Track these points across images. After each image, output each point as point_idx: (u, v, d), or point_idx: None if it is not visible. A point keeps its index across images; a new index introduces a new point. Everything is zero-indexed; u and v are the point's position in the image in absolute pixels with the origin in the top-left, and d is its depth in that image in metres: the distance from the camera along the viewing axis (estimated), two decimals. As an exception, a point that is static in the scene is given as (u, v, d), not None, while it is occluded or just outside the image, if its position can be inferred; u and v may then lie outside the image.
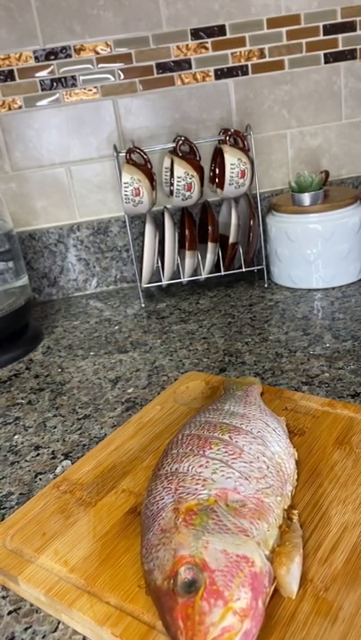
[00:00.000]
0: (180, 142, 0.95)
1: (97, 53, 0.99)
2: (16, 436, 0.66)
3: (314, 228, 0.92)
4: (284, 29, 1.02)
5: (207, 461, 0.45)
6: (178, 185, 0.92)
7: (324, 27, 1.03)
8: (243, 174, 0.93)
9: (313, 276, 0.95)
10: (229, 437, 0.48)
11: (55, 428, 0.67)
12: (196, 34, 1.00)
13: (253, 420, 0.51)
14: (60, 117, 1.02)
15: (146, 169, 0.93)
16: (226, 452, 0.46)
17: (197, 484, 0.43)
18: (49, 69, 0.99)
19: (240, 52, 1.02)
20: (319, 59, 1.05)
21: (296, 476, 0.48)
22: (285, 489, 0.45)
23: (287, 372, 0.71)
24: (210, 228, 0.97)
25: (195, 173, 0.92)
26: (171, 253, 0.95)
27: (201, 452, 0.46)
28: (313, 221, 0.93)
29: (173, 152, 0.96)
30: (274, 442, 0.49)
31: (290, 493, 0.45)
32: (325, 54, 1.05)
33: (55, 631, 0.41)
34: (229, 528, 0.38)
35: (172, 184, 0.93)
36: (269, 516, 0.41)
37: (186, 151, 0.96)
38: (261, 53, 1.03)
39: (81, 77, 1.00)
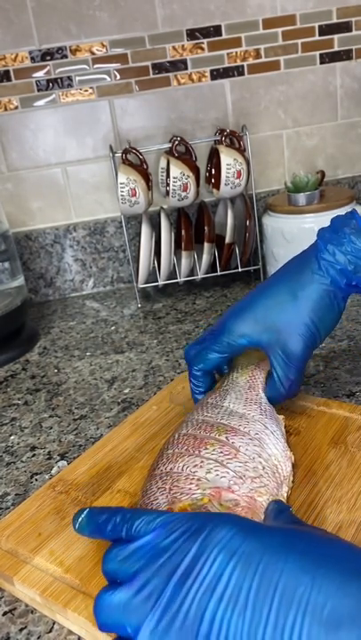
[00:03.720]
0: (176, 143, 0.95)
1: (93, 54, 0.99)
2: (12, 437, 0.66)
3: (310, 228, 0.92)
4: (279, 30, 1.02)
5: (202, 461, 0.45)
6: (174, 185, 0.92)
7: (320, 27, 1.03)
8: (239, 174, 0.93)
9: (309, 276, 0.95)
10: (226, 438, 0.47)
11: (51, 428, 0.67)
12: (191, 34, 1.00)
13: (252, 422, 0.50)
14: (56, 118, 1.02)
15: (142, 169, 0.93)
16: (221, 452, 0.46)
17: (191, 483, 0.42)
18: (45, 70, 0.99)
19: (236, 53, 1.02)
20: (315, 59, 1.05)
21: (292, 479, 0.48)
22: (281, 490, 0.45)
23: (283, 372, 0.71)
24: (206, 228, 0.97)
25: (191, 174, 0.92)
26: (167, 254, 0.95)
27: (196, 452, 0.46)
28: (309, 221, 0.93)
29: (169, 152, 0.96)
30: (271, 444, 0.48)
31: (285, 494, 0.45)
32: (321, 55, 1.05)
33: (50, 632, 0.41)
34: None
35: (168, 184, 0.93)
36: (262, 515, 0.41)
37: (182, 151, 0.96)
38: (257, 54, 1.03)
39: (77, 78, 1.00)
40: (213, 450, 0.46)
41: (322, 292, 0.52)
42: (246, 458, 0.45)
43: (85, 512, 0.39)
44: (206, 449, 0.46)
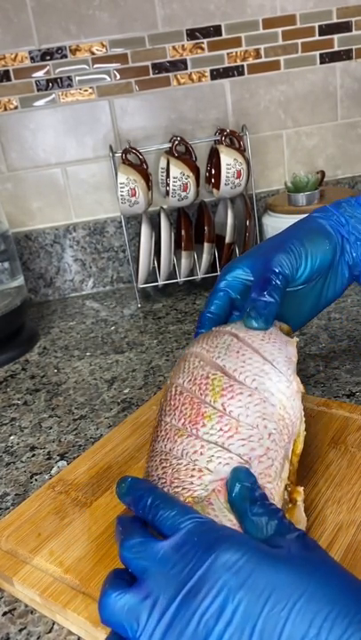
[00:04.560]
0: (176, 142, 0.95)
1: (93, 54, 0.99)
2: (12, 437, 0.66)
3: (310, 228, 0.92)
4: (279, 30, 1.02)
5: (202, 445, 0.41)
6: (174, 185, 0.92)
7: (320, 27, 1.03)
8: (239, 174, 0.93)
9: (309, 276, 0.95)
10: (222, 406, 0.43)
11: (51, 428, 0.67)
12: (191, 34, 1.00)
13: (249, 358, 0.45)
14: (55, 118, 1.02)
15: (142, 169, 0.93)
16: (221, 428, 0.41)
17: (193, 476, 0.40)
18: (45, 70, 0.99)
19: (236, 53, 1.02)
20: (315, 59, 1.05)
21: (304, 420, 0.44)
22: (289, 449, 0.42)
23: (283, 372, 0.71)
24: (206, 228, 0.97)
25: (191, 174, 0.92)
26: (167, 254, 0.95)
27: (194, 432, 0.42)
28: (309, 221, 0.93)
29: (169, 152, 0.96)
30: (273, 386, 0.43)
31: (293, 444, 0.42)
32: (321, 54, 1.05)
33: (50, 632, 0.40)
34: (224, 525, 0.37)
35: (168, 184, 0.93)
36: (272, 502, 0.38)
37: (182, 151, 0.96)
38: (257, 54, 1.03)
39: (77, 78, 1.00)
40: (212, 427, 0.42)
41: (316, 223, 0.56)
42: (249, 429, 0.41)
43: (128, 481, 0.40)
44: (204, 425, 0.42)
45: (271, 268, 0.50)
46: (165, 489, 0.40)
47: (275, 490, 0.39)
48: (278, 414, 0.42)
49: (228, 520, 0.37)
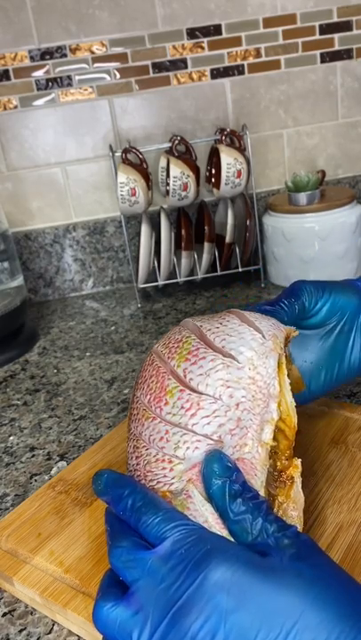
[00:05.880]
0: (177, 142, 0.95)
1: (92, 53, 0.99)
2: (11, 437, 0.66)
3: (310, 227, 0.92)
4: (280, 29, 1.02)
5: (166, 431, 0.38)
6: (174, 185, 0.92)
7: (320, 26, 1.03)
8: (239, 174, 0.93)
9: (309, 275, 0.95)
10: (184, 373, 0.39)
11: (51, 428, 0.67)
12: (191, 33, 1.00)
13: (228, 321, 0.42)
14: (55, 117, 1.02)
15: (142, 169, 0.93)
16: (182, 406, 0.38)
17: (164, 469, 0.37)
18: (44, 69, 0.98)
19: (236, 52, 1.02)
20: (315, 58, 1.05)
21: (289, 388, 0.40)
22: (269, 410, 0.37)
23: (283, 372, 0.71)
24: (206, 227, 0.97)
25: (191, 173, 0.92)
26: (167, 253, 0.95)
27: (158, 412, 0.39)
28: (309, 221, 0.93)
29: (169, 152, 0.95)
30: (245, 344, 0.39)
31: (278, 410, 0.38)
32: (322, 54, 1.05)
33: (50, 633, 0.40)
34: (207, 520, 0.35)
35: (168, 184, 0.93)
36: (253, 478, 0.36)
37: (182, 151, 0.96)
38: (257, 53, 1.03)
39: (76, 77, 1.00)
40: (174, 404, 0.38)
41: (346, 281, 0.54)
42: (212, 403, 0.37)
43: (105, 477, 0.37)
44: (167, 403, 0.38)
45: (288, 290, 0.50)
46: (141, 482, 0.38)
47: (255, 459, 0.36)
48: (248, 377, 0.38)
49: (211, 513, 0.35)
